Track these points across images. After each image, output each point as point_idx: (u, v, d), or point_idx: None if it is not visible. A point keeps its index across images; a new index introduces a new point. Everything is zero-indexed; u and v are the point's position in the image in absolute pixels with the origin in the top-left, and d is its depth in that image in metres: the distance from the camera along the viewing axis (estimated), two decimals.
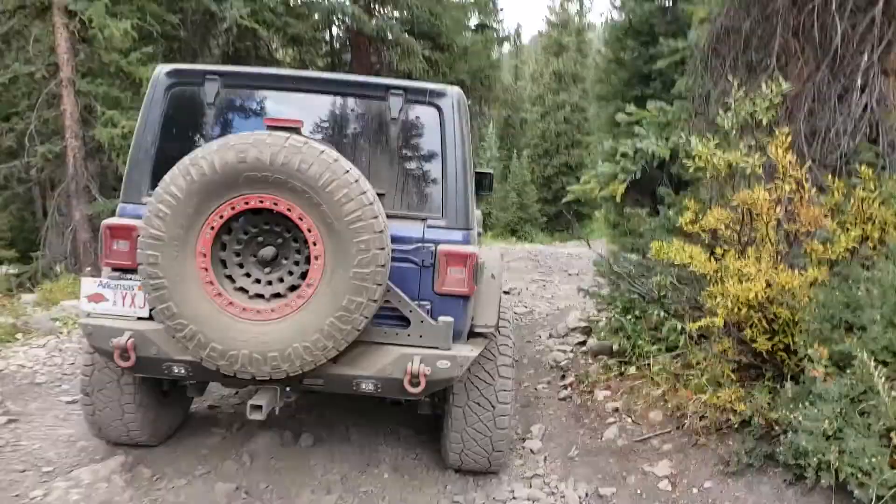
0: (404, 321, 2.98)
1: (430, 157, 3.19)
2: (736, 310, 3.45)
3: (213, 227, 2.65)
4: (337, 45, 15.33)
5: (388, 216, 2.89)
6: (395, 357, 2.92)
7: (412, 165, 3.26)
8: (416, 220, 3.10)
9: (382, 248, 2.67)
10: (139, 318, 3.01)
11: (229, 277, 2.77)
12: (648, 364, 4.95)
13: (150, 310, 2.82)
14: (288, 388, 3.11)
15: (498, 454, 3.40)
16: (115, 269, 3.07)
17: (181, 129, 3.21)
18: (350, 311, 2.64)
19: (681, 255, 3.50)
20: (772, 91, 3.47)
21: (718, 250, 3.63)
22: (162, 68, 3.22)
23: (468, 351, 3.03)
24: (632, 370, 5.04)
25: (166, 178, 2.65)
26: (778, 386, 3.76)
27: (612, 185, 4.78)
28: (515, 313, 8.06)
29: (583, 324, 6.63)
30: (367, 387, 2.94)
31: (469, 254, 2.99)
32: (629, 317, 5.63)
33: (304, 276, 2.73)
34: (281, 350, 2.66)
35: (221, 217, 2.64)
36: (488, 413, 3.28)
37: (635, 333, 5.19)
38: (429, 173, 3.20)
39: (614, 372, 5.09)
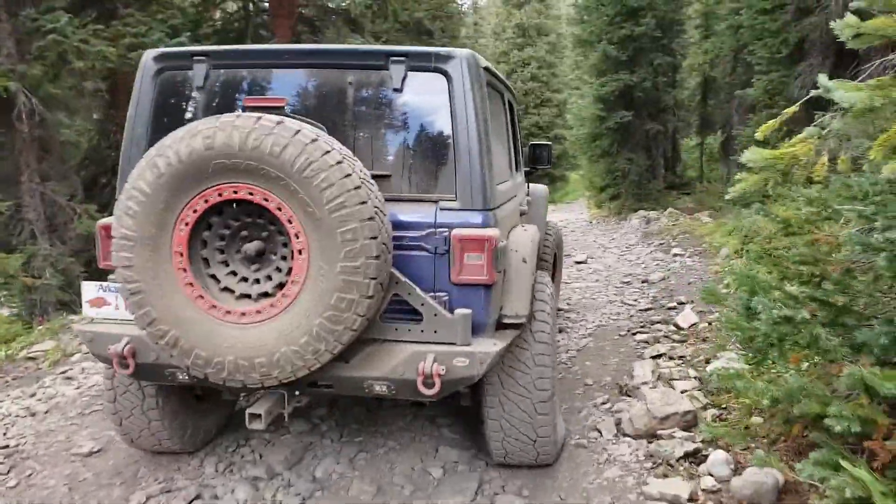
0: (418, 315, 2.71)
1: (439, 130, 2.88)
2: None
3: (187, 223, 2.48)
4: None
5: (396, 200, 2.79)
6: (406, 355, 2.66)
7: (420, 141, 2.92)
8: (426, 203, 2.82)
9: (374, 238, 2.42)
10: None
11: (213, 277, 2.59)
12: None
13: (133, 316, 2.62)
14: (297, 392, 2.91)
15: (544, 440, 3.08)
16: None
17: (173, 116, 3.01)
18: (341, 310, 2.43)
19: None
20: None
21: None
22: (149, 53, 3.08)
23: (490, 346, 2.71)
24: None
25: (134, 172, 2.49)
26: None
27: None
28: None
29: (680, 404, 3.53)
30: (379, 389, 2.73)
31: (487, 237, 2.69)
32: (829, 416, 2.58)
33: (291, 272, 2.51)
34: (268, 355, 2.48)
35: (195, 211, 2.47)
36: (527, 400, 3.02)
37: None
38: (439, 149, 2.88)
39: None
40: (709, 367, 4.13)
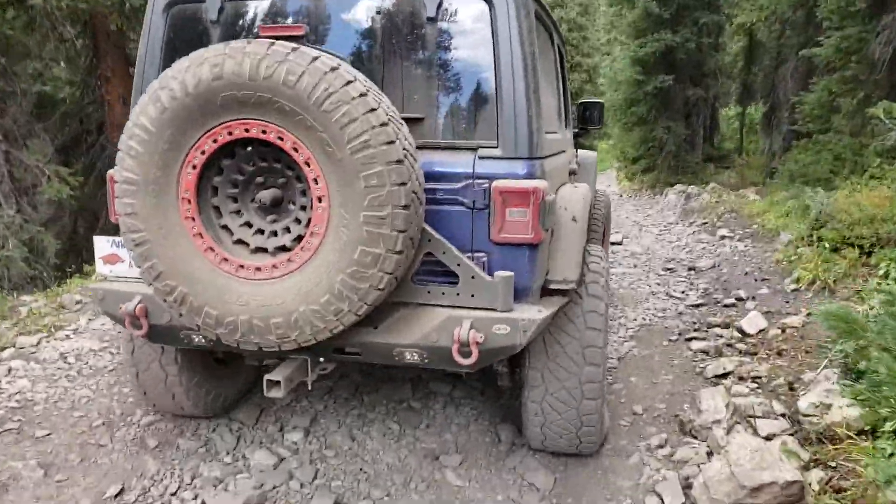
0: (453, 277, 2.44)
1: (479, 66, 2.54)
2: None
3: (195, 166, 2.24)
4: None
5: (430, 147, 2.51)
6: (440, 321, 2.41)
7: (457, 79, 2.59)
8: (464, 151, 2.52)
9: (403, 184, 2.13)
10: None
11: (225, 228, 2.36)
12: None
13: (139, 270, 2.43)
14: (321, 360, 2.70)
15: (589, 429, 2.82)
16: None
17: (186, 55, 2.40)
18: (365, 266, 2.17)
19: None
20: None
21: None
22: None
23: (535, 313, 2.43)
24: None
25: (136, 107, 2.25)
26: None
27: None
28: None
29: (779, 469, 2.49)
30: (410, 357, 2.49)
31: (532, 189, 2.37)
32: None
33: (310, 223, 2.27)
34: (286, 315, 2.24)
35: (203, 153, 2.22)
36: (573, 378, 2.72)
37: None
38: (479, 89, 2.56)
39: None
40: (802, 403, 3.07)
